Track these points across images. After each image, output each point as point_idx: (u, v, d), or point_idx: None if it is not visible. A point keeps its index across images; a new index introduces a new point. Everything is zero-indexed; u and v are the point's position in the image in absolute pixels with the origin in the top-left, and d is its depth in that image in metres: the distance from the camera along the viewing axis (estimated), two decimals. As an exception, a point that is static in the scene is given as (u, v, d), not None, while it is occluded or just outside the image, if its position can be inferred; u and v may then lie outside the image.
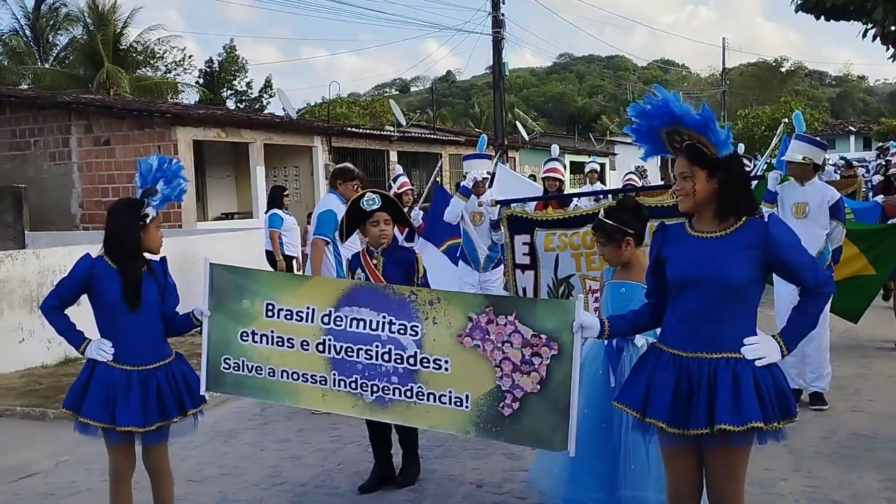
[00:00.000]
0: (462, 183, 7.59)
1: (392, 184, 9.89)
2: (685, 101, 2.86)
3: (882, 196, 8.95)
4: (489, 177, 7.53)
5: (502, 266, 7.24)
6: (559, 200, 8.09)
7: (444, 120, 50.62)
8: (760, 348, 2.77)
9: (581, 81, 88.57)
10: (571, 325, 3.02)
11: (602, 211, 3.93)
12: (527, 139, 27.86)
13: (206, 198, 18.14)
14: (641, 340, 3.62)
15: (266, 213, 10.66)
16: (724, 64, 56.91)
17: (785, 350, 2.80)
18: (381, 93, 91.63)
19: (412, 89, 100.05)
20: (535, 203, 7.33)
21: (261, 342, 3.53)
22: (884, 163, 14.81)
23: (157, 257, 3.63)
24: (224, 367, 3.58)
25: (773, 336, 2.83)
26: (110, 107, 15.00)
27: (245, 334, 3.55)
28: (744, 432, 2.68)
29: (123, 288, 3.45)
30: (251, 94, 47.36)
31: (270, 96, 48.13)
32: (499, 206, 6.75)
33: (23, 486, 5.08)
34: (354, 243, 5.81)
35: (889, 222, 6.93)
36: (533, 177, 16.75)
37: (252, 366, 3.55)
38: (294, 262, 10.61)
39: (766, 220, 2.89)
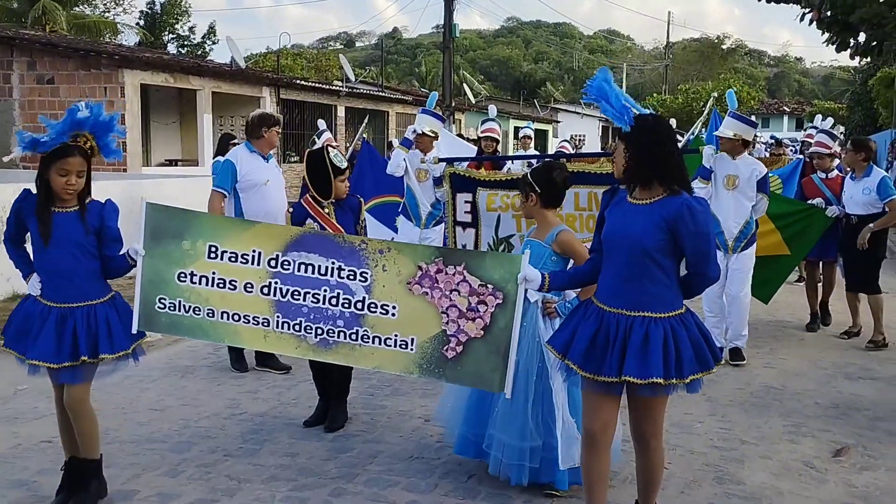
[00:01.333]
0: (406, 134, 7.69)
1: (316, 139, 9.82)
2: (614, 75, 3.21)
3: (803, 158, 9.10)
4: (435, 134, 7.58)
5: (443, 224, 7.35)
6: (493, 162, 8.30)
7: (390, 78, 50.29)
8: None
9: (527, 47, 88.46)
10: (517, 277, 3.26)
11: (531, 169, 4.22)
12: (473, 102, 28.08)
13: (150, 143, 17.96)
14: (572, 295, 3.89)
15: (214, 159, 10.73)
16: (668, 38, 57.82)
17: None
18: (326, 46, 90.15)
19: (357, 44, 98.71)
20: (467, 163, 7.35)
21: (200, 283, 3.56)
22: (800, 143, 15.48)
23: (101, 199, 3.62)
24: (159, 307, 3.59)
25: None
26: (56, 45, 14.69)
27: (183, 275, 3.57)
28: (647, 385, 2.97)
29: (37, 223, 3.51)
30: (194, 39, 46.38)
31: (214, 43, 47.11)
32: (442, 163, 6.87)
33: (-16, 411, 5.26)
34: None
35: (808, 202, 7.20)
36: (474, 141, 17.01)
37: (189, 306, 3.58)
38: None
39: (687, 199, 3.04)
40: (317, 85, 19.96)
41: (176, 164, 17.78)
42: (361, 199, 5.07)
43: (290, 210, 5.02)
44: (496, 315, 3.30)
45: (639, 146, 3.06)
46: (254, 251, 3.52)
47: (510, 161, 9.80)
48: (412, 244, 4.66)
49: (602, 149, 26.40)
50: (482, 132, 9.03)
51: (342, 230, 4.71)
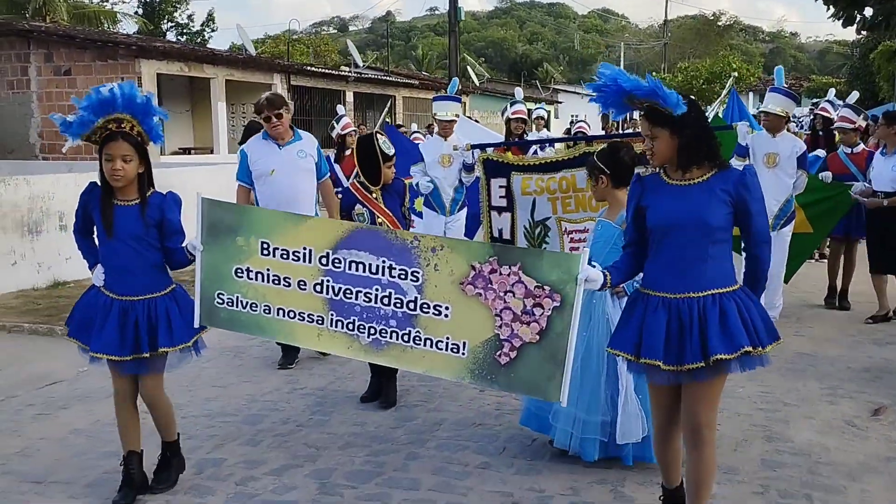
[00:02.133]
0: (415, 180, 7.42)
1: (335, 124, 10.01)
2: (597, 55, 3.20)
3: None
4: (457, 118, 7.61)
5: (464, 210, 7.54)
6: (520, 147, 8.31)
7: (387, 62, 50.43)
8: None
9: (522, 27, 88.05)
10: (576, 278, 3.07)
11: (596, 151, 4.29)
12: (477, 84, 28.20)
13: (164, 132, 18.14)
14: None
15: (241, 145, 10.89)
16: (665, 16, 57.73)
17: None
18: (320, 31, 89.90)
19: (351, 28, 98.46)
20: (494, 148, 7.31)
21: (256, 279, 3.53)
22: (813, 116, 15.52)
23: (163, 192, 3.66)
24: (218, 302, 3.59)
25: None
26: (73, 37, 14.85)
27: (240, 271, 3.55)
28: (737, 359, 2.92)
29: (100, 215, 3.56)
30: (193, 27, 46.44)
31: (213, 30, 47.13)
32: (473, 149, 6.96)
33: (54, 390, 5.51)
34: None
35: (832, 181, 7.08)
36: (476, 122, 17.13)
37: (247, 302, 3.56)
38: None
39: (743, 170, 3.09)
40: (326, 71, 20.10)
41: (189, 153, 17.95)
42: (407, 183, 5.12)
43: (341, 196, 5.11)
44: (553, 319, 3.13)
45: (693, 128, 3.02)
46: (304, 248, 3.47)
47: (536, 145, 9.94)
48: (466, 241, 4.64)
49: (602, 129, 26.46)
50: (512, 114, 9.08)
51: (390, 214, 4.85)
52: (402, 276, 3.34)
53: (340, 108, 10.73)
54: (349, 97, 20.77)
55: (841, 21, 15.25)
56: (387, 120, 18.49)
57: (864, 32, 18.44)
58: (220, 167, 12.84)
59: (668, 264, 3.05)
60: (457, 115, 7.58)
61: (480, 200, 6.73)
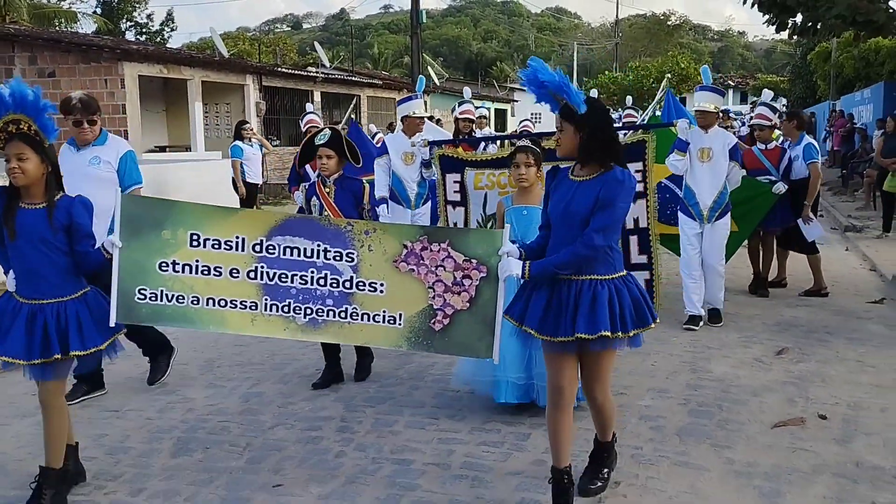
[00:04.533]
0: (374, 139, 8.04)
1: (300, 122, 10.21)
2: (551, 54, 3.77)
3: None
4: (424, 116, 7.77)
5: (429, 203, 7.70)
6: (469, 143, 8.40)
7: (343, 60, 51.12)
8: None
9: (476, 26, 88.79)
10: (498, 250, 3.42)
11: (523, 140, 4.63)
12: (437, 83, 29.25)
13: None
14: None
15: (232, 144, 11.82)
16: (616, 16, 59.31)
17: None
18: (273, 28, 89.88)
19: (305, 26, 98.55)
20: (446, 145, 7.49)
21: (183, 271, 3.55)
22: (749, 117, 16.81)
23: (73, 195, 3.63)
24: (139, 298, 3.55)
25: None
26: (58, 40, 15.51)
27: (164, 264, 3.54)
28: (597, 339, 3.28)
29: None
30: (152, 26, 46.78)
31: (172, 30, 47.67)
32: (430, 145, 7.26)
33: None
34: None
35: (756, 179, 7.49)
36: (438, 121, 17.94)
37: (172, 294, 3.55)
38: (257, 188, 11.89)
39: (621, 172, 3.34)
40: (295, 72, 20.97)
41: (164, 150, 18.70)
42: (367, 185, 5.33)
43: (306, 188, 5.39)
44: (481, 287, 3.46)
45: (594, 128, 3.32)
46: (237, 237, 3.54)
47: (485, 142, 10.44)
48: (397, 224, 4.80)
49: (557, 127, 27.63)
50: (460, 113, 9.29)
51: (336, 209, 5.12)
52: (338, 258, 3.53)
53: (309, 106, 11.08)
54: (317, 97, 21.68)
55: (774, 27, 16.63)
56: (352, 117, 19.42)
57: (795, 37, 19.85)
58: (203, 164, 13.74)
59: (556, 247, 3.41)
60: (421, 117, 7.70)
61: (437, 196, 7.03)
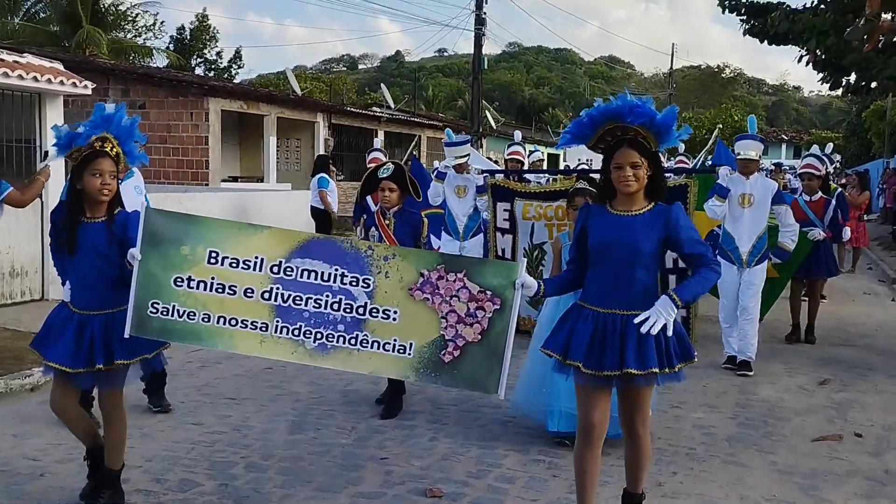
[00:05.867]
0: (437, 168, 8.30)
1: (367, 156, 10.67)
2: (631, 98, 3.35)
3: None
4: (467, 157, 8.08)
5: (480, 235, 8.07)
6: (520, 179, 8.54)
7: (398, 100, 52.51)
8: (650, 323, 3.23)
9: (529, 72, 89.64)
10: (514, 283, 3.39)
11: (580, 182, 5.05)
12: (494, 127, 30.22)
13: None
14: None
15: (313, 176, 12.69)
16: (671, 68, 59.95)
17: (677, 300, 3.27)
18: (330, 67, 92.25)
19: (360, 66, 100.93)
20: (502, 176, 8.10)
21: (197, 288, 3.53)
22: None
23: (130, 209, 3.76)
24: (151, 312, 3.53)
25: (669, 294, 3.28)
26: (151, 75, 16.77)
27: (179, 280, 3.53)
28: (645, 376, 3.28)
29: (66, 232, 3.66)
30: (221, 63, 48.86)
31: (240, 67, 49.67)
32: (484, 174, 7.87)
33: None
34: None
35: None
36: (496, 162, 18.66)
37: (183, 311, 3.54)
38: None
39: (672, 206, 3.41)
40: (362, 112, 22.05)
41: (236, 181, 19.81)
42: (426, 220, 5.48)
43: (365, 218, 5.53)
44: (493, 320, 3.41)
45: (658, 163, 3.41)
46: (256, 257, 3.53)
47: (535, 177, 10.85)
48: (417, 250, 4.75)
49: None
50: (508, 154, 9.72)
51: (394, 240, 5.24)
52: (354, 283, 3.49)
53: (376, 142, 11.82)
54: (380, 135, 22.69)
55: (828, 85, 17.19)
56: (414, 153, 20.35)
57: (849, 95, 20.35)
58: (284, 193, 14.75)
59: (600, 282, 3.39)
60: (467, 155, 8.11)
61: (488, 222, 7.56)
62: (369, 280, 3.48)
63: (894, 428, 5.40)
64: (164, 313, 3.53)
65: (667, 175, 6.90)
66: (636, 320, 3.25)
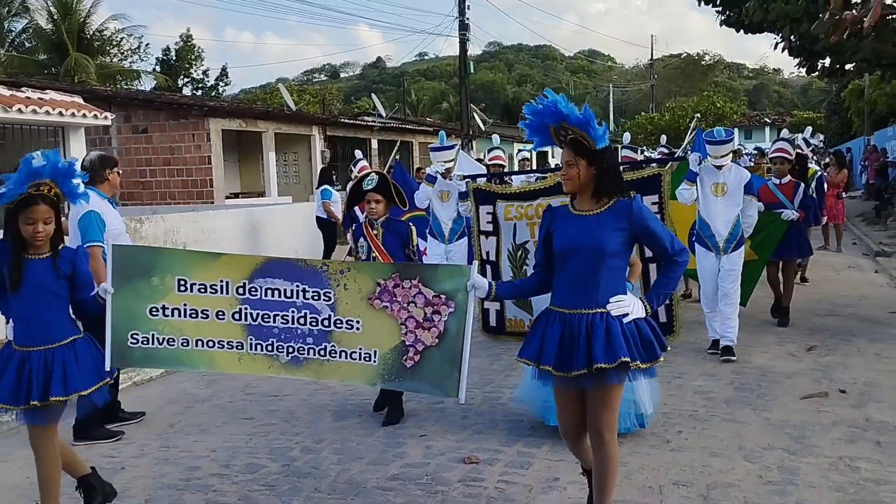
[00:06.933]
0: (428, 171, 8.38)
1: (352, 168, 11.36)
2: (585, 96, 4.14)
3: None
4: (453, 164, 8.30)
5: (465, 238, 8.28)
6: (501, 182, 8.55)
7: (384, 108, 52.87)
8: (624, 305, 3.30)
9: (510, 70, 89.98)
10: (466, 286, 3.48)
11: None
12: (483, 129, 30.81)
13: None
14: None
15: (318, 188, 13.25)
16: (651, 58, 60.61)
17: (648, 308, 3.37)
18: (311, 78, 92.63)
19: (342, 75, 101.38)
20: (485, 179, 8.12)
21: (172, 315, 3.67)
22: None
23: (73, 246, 3.89)
24: (132, 343, 3.67)
25: (640, 299, 3.38)
26: (152, 100, 17.32)
27: (154, 309, 3.66)
28: (615, 368, 3.22)
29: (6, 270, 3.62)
30: (208, 81, 49.38)
31: (226, 84, 50.28)
32: (466, 179, 7.84)
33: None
34: None
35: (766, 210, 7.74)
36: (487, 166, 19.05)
37: (163, 338, 3.68)
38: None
39: (631, 199, 3.38)
40: (355, 122, 22.63)
41: (237, 196, 20.35)
42: (413, 228, 5.52)
43: (353, 229, 5.63)
44: (448, 323, 3.50)
45: (607, 162, 3.35)
46: (221, 281, 3.66)
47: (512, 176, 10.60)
48: (369, 263, 4.96)
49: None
50: (490, 160, 9.88)
51: (384, 250, 5.31)
52: (315, 297, 3.63)
53: (358, 153, 12.12)
54: (374, 144, 23.28)
55: (805, 69, 17.87)
56: (397, 159, 20.90)
57: (826, 78, 21.04)
58: (285, 207, 15.30)
59: (566, 284, 3.39)
60: (452, 160, 8.34)
61: (471, 226, 7.58)
62: (330, 293, 3.63)
63: (874, 384, 5.99)
64: (145, 342, 3.68)
65: (640, 165, 7.30)
66: (612, 299, 3.29)
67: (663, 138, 16.54)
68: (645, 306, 3.36)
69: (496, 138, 11.21)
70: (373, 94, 28.92)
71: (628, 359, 3.23)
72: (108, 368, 3.70)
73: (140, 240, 10.40)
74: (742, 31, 17.67)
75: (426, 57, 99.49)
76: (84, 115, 9.18)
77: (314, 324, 3.64)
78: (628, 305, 3.31)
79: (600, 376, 3.26)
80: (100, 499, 4.03)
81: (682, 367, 6.53)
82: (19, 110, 8.28)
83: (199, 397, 6.36)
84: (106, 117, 9.53)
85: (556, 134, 3.39)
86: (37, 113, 8.49)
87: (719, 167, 6.88)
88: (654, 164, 9.04)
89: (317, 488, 4.37)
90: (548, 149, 29.75)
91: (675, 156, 11.58)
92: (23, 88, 9.23)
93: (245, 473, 4.64)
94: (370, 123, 22.90)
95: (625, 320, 3.29)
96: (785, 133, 8.98)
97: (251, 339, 3.68)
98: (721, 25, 18.64)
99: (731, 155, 7.04)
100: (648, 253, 6.58)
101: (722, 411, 5.45)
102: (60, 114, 8.81)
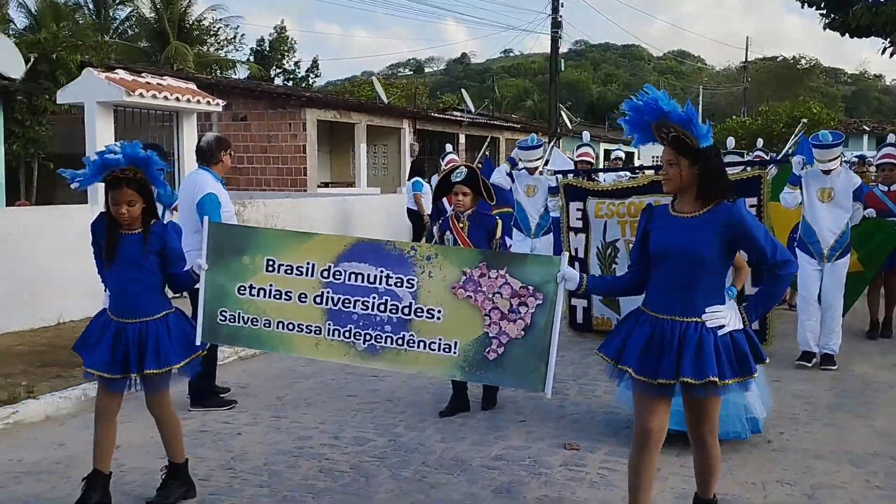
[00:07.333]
0: (511, 155, 8.48)
1: (441, 161, 11.48)
2: (673, 97, 3.16)
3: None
4: (541, 162, 8.24)
5: (550, 234, 8.20)
6: (591, 178, 8.63)
7: (490, 108, 52.80)
8: (720, 317, 3.15)
9: (596, 69, 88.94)
10: (556, 277, 3.36)
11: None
12: (570, 127, 30.70)
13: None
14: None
15: (409, 180, 13.50)
16: (746, 60, 59.07)
17: (747, 320, 3.21)
18: (395, 71, 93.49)
19: (426, 69, 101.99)
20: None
21: (258, 295, 3.71)
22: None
23: (165, 221, 3.99)
24: (220, 319, 3.76)
25: (739, 310, 3.22)
26: (252, 89, 17.90)
27: (243, 288, 3.72)
28: (701, 385, 3.10)
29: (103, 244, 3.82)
30: (299, 73, 50.55)
31: (317, 76, 51.35)
32: (556, 175, 7.80)
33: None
34: None
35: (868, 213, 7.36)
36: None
37: (248, 317, 3.73)
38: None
39: (733, 203, 3.20)
40: (444, 116, 22.88)
41: (327, 186, 20.84)
42: (500, 221, 5.48)
43: (440, 222, 5.61)
44: (536, 315, 3.40)
45: (708, 162, 3.18)
46: (308, 263, 3.67)
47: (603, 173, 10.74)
48: (459, 249, 4.90)
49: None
50: (578, 156, 9.78)
51: (469, 243, 5.28)
52: (398, 284, 3.57)
53: (448, 147, 12.32)
54: (461, 139, 23.48)
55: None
56: (486, 154, 21.04)
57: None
58: (384, 196, 15.68)
59: (660, 287, 3.27)
60: (539, 159, 8.25)
61: (561, 221, 7.53)
62: (413, 280, 3.56)
63: None
64: (232, 320, 3.75)
65: (740, 167, 7.03)
66: (708, 310, 3.15)
67: (760, 141, 16.19)
68: (743, 318, 3.21)
69: (586, 135, 11.15)
70: (462, 90, 29.16)
71: (716, 378, 3.09)
72: (198, 342, 3.81)
73: (242, 223, 10.81)
74: (847, 34, 17.14)
75: (511, 54, 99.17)
76: (198, 101, 9.62)
77: (394, 311, 3.58)
78: (724, 317, 3.16)
79: (687, 389, 3.17)
80: (178, 494, 3.99)
81: (779, 371, 6.46)
82: (140, 94, 8.73)
83: (303, 374, 6.62)
84: (217, 104, 9.95)
85: (657, 131, 3.25)
86: (156, 98, 8.94)
87: (826, 172, 6.62)
88: (753, 167, 8.93)
89: (424, 462, 4.56)
90: (635, 150, 29.32)
91: (776, 159, 11.41)
92: (143, 74, 9.71)
93: (354, 445, 4.85)
94: (459, 118, 23.10)
95: (720, 332, 3.15)
96: (891, 138, 8.58)
97: (329, 325, 3.66)
98: (825, 29, 18.09)
99: (839, 159, 6.78)
100: (744, 257, 6.63)
101: (824, 416, 5.40)
102: (177, 99, 9.25)
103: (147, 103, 9.05)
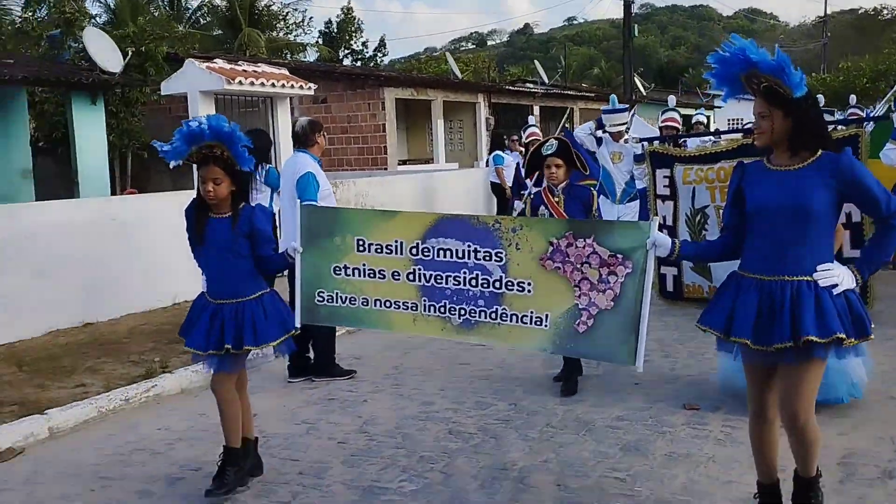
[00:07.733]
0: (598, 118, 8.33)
1: (522, 133, 11.58)
2: (765, 48, 2.98)
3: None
4: (622, 125, 8.16)
5: (637, 201, 8.16)
6: (676, 144, 8.52)
7: (533, 73, 52.55)
8: (833, 275, 2.95)
9: (663, 32, 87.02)
10: (645, 244, 3.22)
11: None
12: (644, 94, 30.25)
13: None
14: None
15: (490, 154, 13.66)
16: (825, 14, 56.86)
17: (859, 278, 3.00)
18: (458, 46, 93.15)
19: (489, 42, 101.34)
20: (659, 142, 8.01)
21: (353, 275, 3.78)
22: None
23: (253, 204, 4.00)
24: (318, 300, 3.84)
25: (848, 266, 3.00)
26: (331, 71, 18.26)
27: (338, 268, 3.80)
28: (827, 343, 2.88)
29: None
30: (367, 53, 50.98)
31: (384, 55, 51.73)
32: (642, 142, 7.80)
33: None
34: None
35: None
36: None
37: (346, 297, 3.81)
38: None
39: (840, 153, 3.01)
40: (518, 89, 22.87)
41: (405, 163, 21.11)
42: (594, 192, 5.45)
43: (532, 197, 5.55)
44: (626, 285, 3.29)
45: (804, 112, 2.99)
46: (396, 241, 3.70)
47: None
48: (543, 220, 4.79)
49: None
50: (663, 121, 9.68)
51: (565, 217, 5.12)
52: (487, 258, 3.56)
53: (531, 119, 12.22)
54: (535, 111, 23.42)
55: None
56: (566, 126, 20.93)
57: None
58: (466, 171, 15.85)
59: (764, 247, 3.05)
60: (623, 123, 8.23)
61: (647, 190, 7.51)
62: (501, 253, 3.52)
63: None
64: (330, 300, 3.82)
65: (832, 126, 6.74)
66: (819, 268, 2.95)
67: (853, 98, 15.63)
68: (855, 276, 2.98)
69: (672, 99, 10.98)
70: (535, 62, 29.00)
71: (843, 335, 2.87)
72: (297, 325, 3.88)
73: (335, 203, 11.12)
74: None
75: (574, 21, 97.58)
76: (292, 86, 9.93)
77: (485, 286, 3.55)
78: (837, 276, 2.94)
79: (806, 350, 2.90)
80: (238, 473, 3.98)
81: (892, 329, 6.41)
82: (239, 82, 9.08)
83: (412, 344, 6.85)
84: (311, 88, 10.23)
85: (747, 82, 3.02)
86: (253, 84, 9.28)
87: None
88: (848, 125, 8.76)
89: (549, 423, 4.75)
90: (710, 113, 28.54)
91: (876, 111, 11.06)
92: (239, 62, 10.06)
93: (477, 409, 5.07)
94: (533, 90, 23.06)
95: (834, 292, 2.93)
96: None
97: (424, 301, 3.67)
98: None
99: None
100: (843, 219, 6.28)
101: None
102: (273, 85, 9.58)
103: (246, 90, 9.40)
